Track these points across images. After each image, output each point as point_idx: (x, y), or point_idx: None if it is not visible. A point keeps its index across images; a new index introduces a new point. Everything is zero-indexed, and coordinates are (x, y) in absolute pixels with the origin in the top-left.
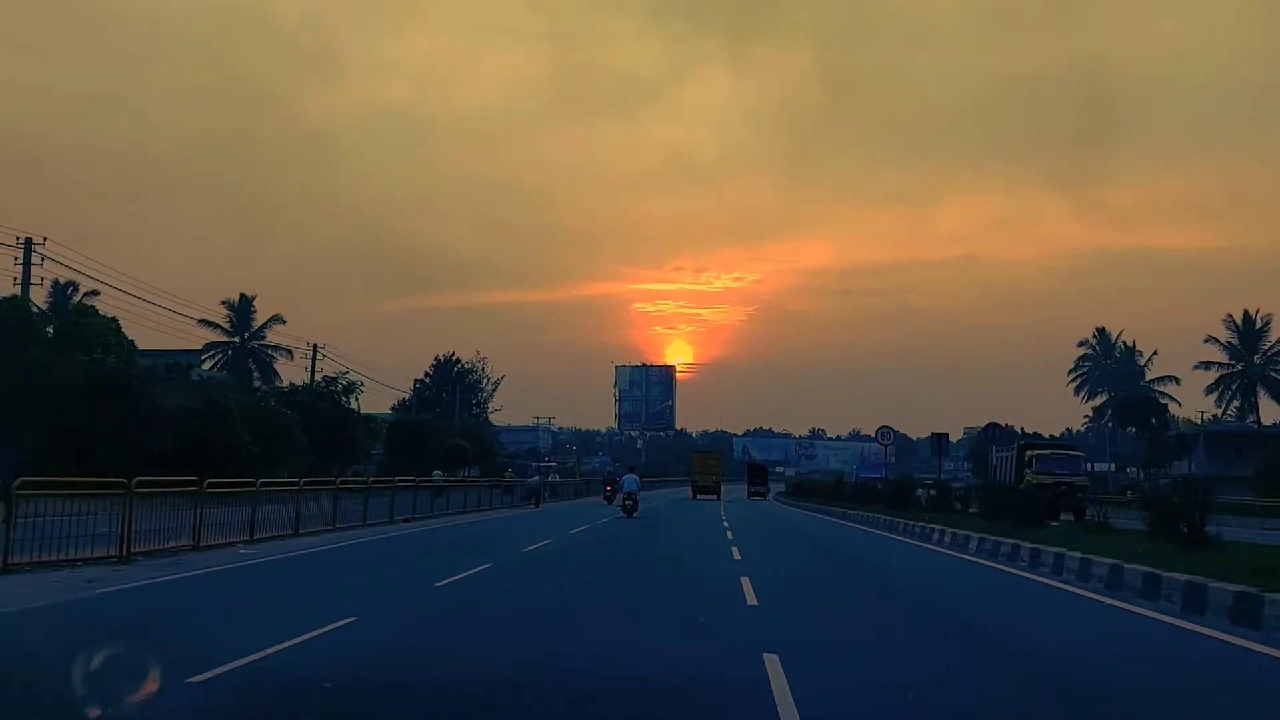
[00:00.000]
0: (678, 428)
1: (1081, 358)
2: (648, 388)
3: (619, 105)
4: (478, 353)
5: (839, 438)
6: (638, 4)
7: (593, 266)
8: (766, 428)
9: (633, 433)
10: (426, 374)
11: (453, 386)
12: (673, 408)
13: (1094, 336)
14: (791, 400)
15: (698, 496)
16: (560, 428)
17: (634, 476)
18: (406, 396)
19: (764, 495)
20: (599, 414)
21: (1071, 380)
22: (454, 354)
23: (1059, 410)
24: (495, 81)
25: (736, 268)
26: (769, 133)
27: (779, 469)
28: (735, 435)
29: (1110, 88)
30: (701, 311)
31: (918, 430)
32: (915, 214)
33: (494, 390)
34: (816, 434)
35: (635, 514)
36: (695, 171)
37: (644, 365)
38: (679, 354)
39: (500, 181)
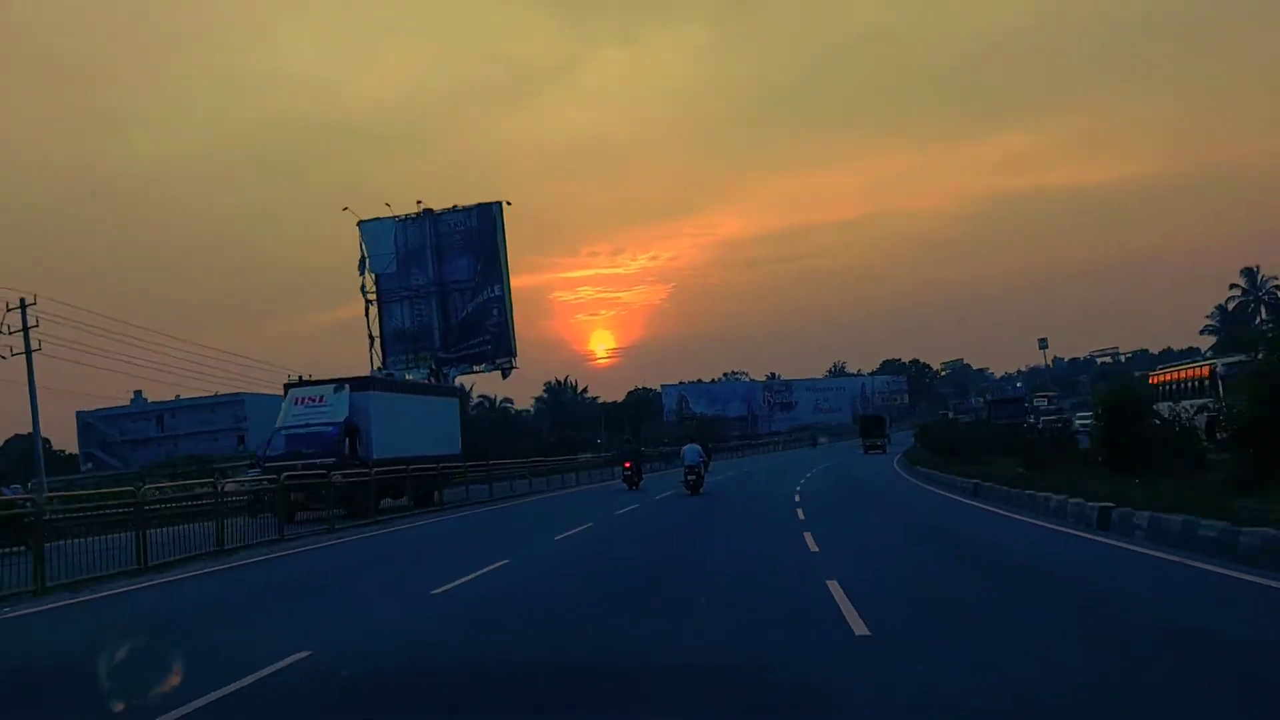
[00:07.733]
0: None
1: None
2: (440, 263)
3: (517, 94)
4: None
5: (813, 379)
6: None
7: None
8: (707, 380)
9: (408, 371)
10: None
11: None
12: (506, 305)
13: None
14: (736, 354)
15: (869, 451)
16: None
17: (695, 446)
18: None
19: (882, 449)
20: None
21: None
22: None
23: None
24: (388, 81)
25: (652, 247)
26: (670, 108)
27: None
28: (665, 386)
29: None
30: (621, 295)
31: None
32: (818, 178)
33: None
34: (773, 378)
35: (700, 490)
36: (603, 154)
37: (426, 211)
38: (603, 341)
39: (402, 183)
